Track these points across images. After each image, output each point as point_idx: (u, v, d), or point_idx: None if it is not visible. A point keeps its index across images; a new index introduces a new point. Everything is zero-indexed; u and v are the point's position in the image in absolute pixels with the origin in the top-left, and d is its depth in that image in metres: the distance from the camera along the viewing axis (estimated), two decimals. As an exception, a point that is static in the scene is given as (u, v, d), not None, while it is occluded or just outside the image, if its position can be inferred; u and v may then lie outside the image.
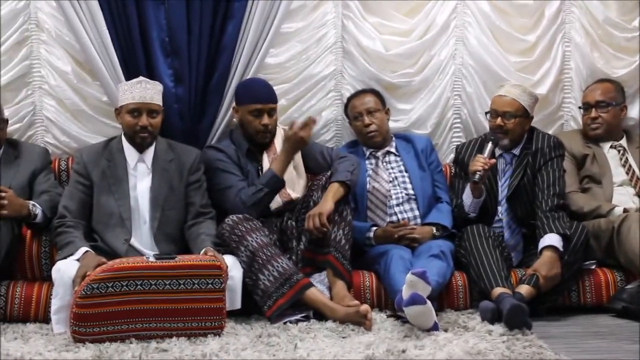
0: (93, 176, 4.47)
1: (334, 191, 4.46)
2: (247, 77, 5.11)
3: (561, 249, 4.43)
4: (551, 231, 4.50)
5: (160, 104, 4.56)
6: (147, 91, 4.48)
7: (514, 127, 4.83)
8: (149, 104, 4.47)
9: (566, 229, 4.50)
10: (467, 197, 4.80)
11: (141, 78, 4.57)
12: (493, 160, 4.70)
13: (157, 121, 4.52)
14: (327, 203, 4.39)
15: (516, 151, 4.92)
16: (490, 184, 4.86)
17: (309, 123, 4.57)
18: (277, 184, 4.56)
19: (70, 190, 4.48)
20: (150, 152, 4.55)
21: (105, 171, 4.48)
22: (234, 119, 4.96)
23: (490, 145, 4.74)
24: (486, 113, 5.05)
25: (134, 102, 4.45)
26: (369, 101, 5.09)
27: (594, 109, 5.22)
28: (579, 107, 5.40)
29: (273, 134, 4.82)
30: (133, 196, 4.48)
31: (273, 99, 4.82)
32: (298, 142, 4.57)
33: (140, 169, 4.53)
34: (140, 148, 4.53)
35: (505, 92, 4.89)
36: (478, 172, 4.60)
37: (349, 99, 5.21)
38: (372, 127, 5.03)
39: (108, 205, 4.44)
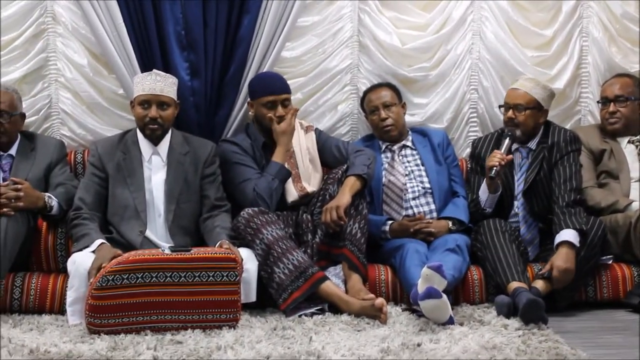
0: (108, 168, 4.49)
1: (351, 185, 4.46)
2: (261, 72, 5.11)
3: (577, 244, 4.43)
4: (567, 227, 4.49)
5: (173, 96, 4.57)
6: (157, 83, 4.49)
7: (525, 120, 4.83)
8: (159, 95, 4.49)
9: (582, 224, 4.49)
10: (483, 192, 4.80)
11: (153, 70, 4.59)
12: (510, 156, 4.71)
13: (168, 113, 4.53)
14: (344, 196, 4.39)
15: (532, 145, 4.91)
16: (506, 179, 4.86)
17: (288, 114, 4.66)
18: (286, 174, 4.63)
19: (85, 182, 4.50)
20: (165, 145, 4.57)
21: (121, 163, 4.50)
22: (250, 113, 4.96)
23: (507, 140, 4.74)
24: (500, 107, 5.05)
25: (144, 94, 4.48)
26: (386, 95, 5.09)
27: (612, 104, 5.20)
28: (597, 102, 5.38)
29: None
30: (148, 189, 4.49)
31: (286, 89, 4.83)
32: (284, 134, 4.64)
33: (155, 161, 4.55)
34: (154, 140, 4.54)
35: (518, 85, 4.92)
36: (495, 168, 4.60)
37: (365, 93, 5.21)
38: (389, 122, 5.03)
39: (123, 198, 4.46)
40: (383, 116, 5.03)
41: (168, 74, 4.64)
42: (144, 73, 4.62)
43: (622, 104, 5.19)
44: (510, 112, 4.85)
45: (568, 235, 4.45)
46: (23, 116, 4.73)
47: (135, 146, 4.56)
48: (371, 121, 5.13)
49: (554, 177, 4.78)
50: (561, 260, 4.37)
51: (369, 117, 5.14)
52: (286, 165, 4.69)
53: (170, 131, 4.61)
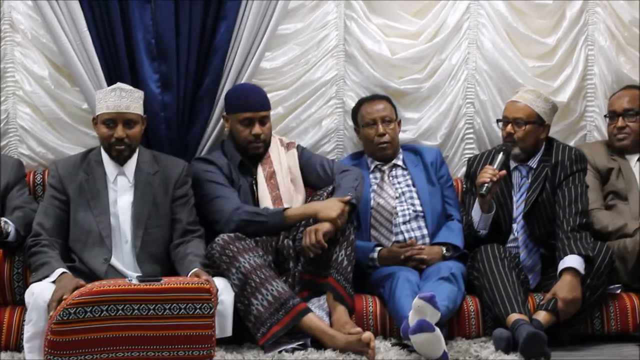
0: (69, 191, 4.48)
1: None
2: (240, 83, 5.12)
3: (582, 271, 4.45)
4: (572, 252, 4.51)
5: (139, 112, 4.55)
6: (122, 99, 4.47)
7: (525, 135, 4.86)
8: (124, 113, 4.46)
9: (589, 250, 4.51)
10: (476, 212, 4.82)
11: (116, 85, 4.57)
12: (503, 172, 4.72)
13: (135, 132, 4.51)
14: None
15: (533, 163, 4.94)
16: (504, 199, 4.89)
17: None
18: (280, 223, 4.55)
19: (45, 206, 4.48)
20: (131, 165, 4.56)
21: (83, 185, 4.48)
22: (225, 129, 4.97)
23: (501, 155, 4.76)
24: (498, 121, 5.08)
25: (108, 112, 4.45)
26: (385, 109, 5.12)
27: (620, 118, 5.23)
28: (605, 116, 5.41)
29: (267, 144, 4.83)
30: (113, 212, 4.48)
31: (265, 106, 4.84)
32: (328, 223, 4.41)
33: (120, 183, 4.53)
34: (120, 160, 4.53)
35: (518, 97, 4.95)
36: (486, 184, 4.62)
37: (361, 103, 5.21)
38: (386, 138, 5.05)
39: (86, 223, 4.44)
40: (381, 131, 5.04)
41: (133, 88, 4.61)
42: (107, 88, 4.59)
43: (632, 119, 5.23)
44: (509, 127, 4.87)
45: (572, 261, 4.47)
46: None
47: (99, 166, 4.54)
48: (365, 135, 5.12)
49: (558, 199, 4.80)
50: (566, 290, 4.38)
51: (363, 130, 5.12)
52: (265, 186, 4.72)
53: (137, 149, 4.60)
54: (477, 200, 4.79)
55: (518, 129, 4.85)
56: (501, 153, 4.78)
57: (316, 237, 4.30)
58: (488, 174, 4.64)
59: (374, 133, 5.05)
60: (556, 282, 4.47)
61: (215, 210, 4.59)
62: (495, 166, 4.70)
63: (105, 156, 4.55)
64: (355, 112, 5.22)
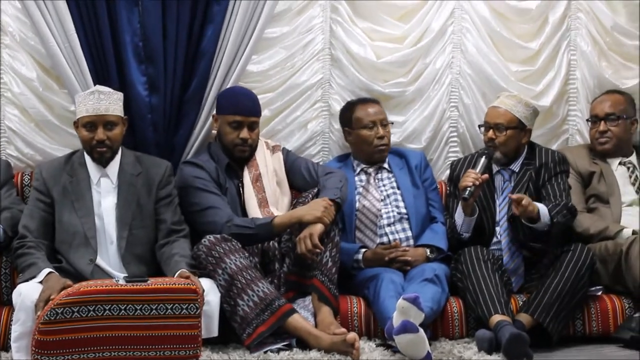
0: (54, 193, 4.47)
1: None
2: (229, 86, 5.13)
3: (541, 218, 4.57)
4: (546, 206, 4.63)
5: (119, 113, 4.54)
6: (101, 102, 4.46)
7: (506, 140, 4.89)
8: (104, 115, 4.46)
9: (558, 216, 4.63)
10: (459, 215, 4.84)
11: (95, 87, 4.58)
12: (485, 176, 4.73)
13: (115, 133, 4.51)
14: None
15: (515, 167, 4.97)
16: (487, 203, 4.91)
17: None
18: (268, 233, 4.54)
19: (30, 208, 4.48)
20: (114, 166, 4.56)
21: (67, 187, 4.48)
22: (213, 130, 4.98)
23: (483, 159, 4.79)
24: (479, 126, 5.12)
25: (88, 115, 4.44)
26: (382, 112, 5.15)
27: (602, 122, 5.27)
28: (587, 120, 5.45)
29: (253, 149, 4.84)
30: (98, 214, 4.48)
31: (256, 112, 4.85)
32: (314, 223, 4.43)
33: (104, 184, 4.53)
34: (102, 162, 4.53)
35: (499, 103, 4.97)
36: (469, 188, 4.64)
37: (353, 105, 5.20)
38: (385, 140, 5.08)
39: (71, 224, 4.43)
40: (381, 133, 5.06)
41: (112, 90, 4.59)
42: (86, 91, 4.58)
43: (613, 123, 5.26)
44: (490, 132, 4.91)
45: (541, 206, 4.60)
46: None
47: (82, 168, 4.54)
48: (363, 137, 5.08)
49: (543, 195, 4.85)
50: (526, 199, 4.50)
51: (360, 132, 5.09)
52: (251, 189, 4.73)
53: (120, 151, 4.60)
54: (460, 203, 4.80)
55: (499, 134, 4.88)
56: (483, 157, 4.80)
57: (311, 241, 4.31)
58: (470, 177, 4.66)
59: (374, 135, 5.05)
60: (538, 284, 4.54)
61: (207, 221, 4.57)
62: (477, 170, 4.72)
63: (88, 158, 4.54)
64: (348, 115, 5.19)
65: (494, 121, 4.90)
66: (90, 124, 4.45)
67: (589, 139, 5.42)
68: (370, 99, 5.25)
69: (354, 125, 5.12)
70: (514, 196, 4.54)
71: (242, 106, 4.80)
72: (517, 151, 4.96)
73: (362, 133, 5.07)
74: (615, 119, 5.28)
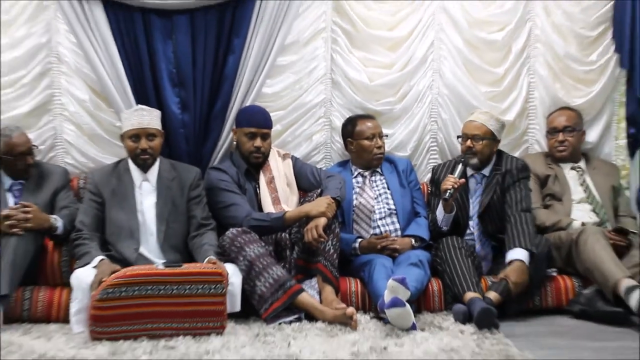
0: (104, 194, 4.51)
1: None
2: (249, 105, 5.13)
3: (527, 262, 4.45)
4: (520, 246, 4.49)
5: (158, 127, 4.59)
6: (144, 117, 4.51)
7: (482, 149, 4.87)
8: (146, 128, 4.51)
9: (533, 245, 4.51)
10: (440, 212, 4.83)
11: (139, 106, 4.62)
12: (462, 180, 4.73)
13: (155, 143, 4.56)
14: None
15: (486, 172, 4.95)
16: (462, 201, 4.90)
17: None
18: (280, 226, 4.54)
19: (84, 207, 4.52)
20: (154, 172, 4.60)
21: (115, 189, 4.52)
22: (234, 142, 4.98)
23: (460, 166, 4.77)
24: (458, 137, 5.07)
25: (133, 128, 4.50)
26: (379, 126, 5.14)
27: (561, 133, 5.30)
28: (546, 133, 5.46)
29: (266, 156, 4.86)
30: (140, 211, 4.51)
31: (268, 125, 4.86)
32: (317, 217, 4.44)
33: (145, 187, 4.57)
34: (144, 168, 4.57)
35: (474, 117, 4.93)
36: (449, 191, 4.64)
37: (356, 119, 5.17)
38: (382, 150, 5.08)
39: (118, 220, 4.47)
40: (380, 144, 5.06)
41: (152, 108, 4.64)
42: (131, 109, 4.62)
43: (570, 134, 5.30)
44: (468, 142, 4.87)
45: (520, 254, 4.47)
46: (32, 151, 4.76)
47: (127, 173, 4.58)
48: (364, 146, 5.07)
49: (507, 200, 4.80)
50: (516, 274, 4.38)
51: (361, 142, 5.08)
52: (266, 190, 4.76)
53: (158, 159, 4.63)
54: (440, 202, 4.80)
55: (476, 143, 4.86)
56: (460, 164, 4.79)
57: (316, 232, 4.32)
58: (450, 182, 4.66)
59: (374, 145, 5.05)
60: (504, 268, 4.47)
61: (230, 216, 4.58)
62: (456, 175, 4.71)
63: (132, 165, 4.58)
64: (350, 128, 5.16)
65: (472, 132, 4.88)
66: (135, 135, 4.49)
67: (548, 147, 5.42)
68: (368, 115, 5.24)
69: (355, 136, 5.11)
70: None
71: (255, 120, 4.83)
72: (489, 158, 4.93)
73: (364, 143, 5.07)
74: (571, 130, 5.31)
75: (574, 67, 5.61)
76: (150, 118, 4.55)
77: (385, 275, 4.33)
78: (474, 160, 4.90)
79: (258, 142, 4.78)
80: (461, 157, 4.91)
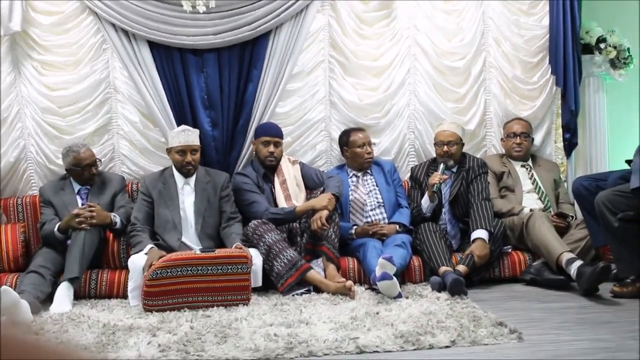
0: (153, 195, 4.51)
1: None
2: (264, 122, 5.12)
3: (487, 240, 4.48)
4: (481, 227, 4.54)
5: (198, 144, 4.60)
6: (189, 136, 4.52)
7: (456, 152, 4.89)
8: (191, 145, 4.52)
9: (492, 227, 4.54)
10: (425, 202, 4.81)
11: (184, 127, 4.61)
12: (446, 176, 4.75)
13: (197, 157, 4.56)
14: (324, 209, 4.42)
15: (454, 169, 4.95)
16: (439, 192, 4.88)
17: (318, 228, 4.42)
18: (292, 218, 4.52)
19: (138, 205, 4.52)
20: (192, 177, 4.59)
21: (162, 191, 4.52)
22: (253, 152, 4.98)
23: (442, 166, 4.77)
24: (435, 144, 5.04)
25: (181, 145, 4.50)
26: (368, 136, 5.10)
27: (518, 137, 5.25)
28: (502, 138, 5.42)
29: (278, 161, 4.83)
30: (182, 208, 4.50)
31: (279, 134, 4.85)
32: (320, 210, 4.43)
33: (186, 189, 4.57)
34: (187, 175, 4.57)
35: (446, 127, 4.94)
36: (436, 184, 4.65)
37: (350, 131, 5.11)
38: (371, 155, 5.05)
39: (165, 215, 4.47)
40: (369, 151, 5.03)
41: (194, 128, 4.66)
42: (178, 129, 4.61)
43: (525, 139, 5.27)
44: (445, 147, 4.87)
45: (482, 233, 4.51)
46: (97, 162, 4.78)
47: (171, 179, 4.58)
48: (356, 153, 5.02)
49: (470, 191, 4.80)
50: (479, 249, 4.42)
51: (355, 149, 5.02)
52: (280, 189, 4.72)
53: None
54: (427, 193, 4.78)
55: (451, 148, 4.86)
56: (442, 164, 4.78)
57: (320, 221, 4.33)
58: (437, 178, 4.66)
59: (364, 152, 5.00)
60: (469, 245, 4.49)
61: (252, 211, 4.57)
62: (440, 172, 4.72)
63: (175, 172, 4.58)
64: (345, 139, 5.11)
65: (447, 139, 4.87)
66: (182, 151, 4.50)
67: (505, 149, 5.36)
68: (360, 128, 5.21)
69: (350, 145, 5.07)
70: None
71: (269, 131, 4.82)
72: (459, 158, 4.95)
73: (357, 150, 5.04)
74: (526, 135, 5.27)
75: (520, 87, 5.56)
76: (194, 137, 4.57)
77: (376, 255, 4.31)
78: (451, 162, 4.89)
79: (271, 148, 4.76)
80: (441, 159, 4.89)
